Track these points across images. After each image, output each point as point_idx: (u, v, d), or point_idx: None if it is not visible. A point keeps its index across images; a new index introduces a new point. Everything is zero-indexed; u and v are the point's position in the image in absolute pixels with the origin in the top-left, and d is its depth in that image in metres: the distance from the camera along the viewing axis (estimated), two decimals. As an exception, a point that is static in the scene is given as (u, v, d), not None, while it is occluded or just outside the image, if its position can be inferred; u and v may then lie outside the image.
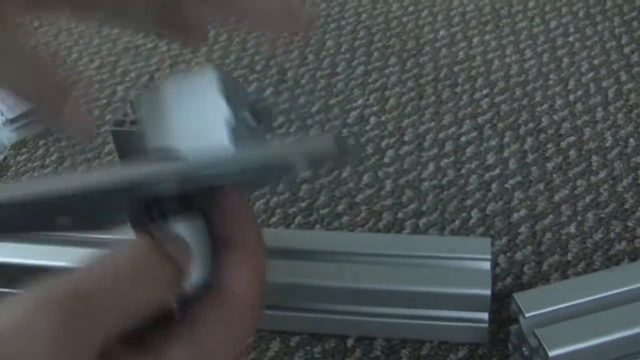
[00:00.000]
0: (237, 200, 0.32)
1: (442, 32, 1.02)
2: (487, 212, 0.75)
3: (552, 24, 1.02)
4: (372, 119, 0.88)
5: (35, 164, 0.86)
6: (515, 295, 0.59)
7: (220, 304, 0.32)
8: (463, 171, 0.80)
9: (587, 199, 0.76)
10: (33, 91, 0.37)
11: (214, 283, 0.32)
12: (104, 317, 0.27)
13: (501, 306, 0.65)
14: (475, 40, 1.00)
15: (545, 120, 0.86)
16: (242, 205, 0.33)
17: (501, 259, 0.70)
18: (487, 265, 0.63)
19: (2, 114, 0.85)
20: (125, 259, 0.29)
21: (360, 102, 0.90)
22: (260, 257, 0.33)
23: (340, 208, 0.77)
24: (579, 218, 0.74)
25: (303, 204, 0.77)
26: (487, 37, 1.00)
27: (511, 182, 0.78)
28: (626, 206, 0.75)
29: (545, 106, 0.88)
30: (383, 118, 0.88)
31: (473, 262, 0.63)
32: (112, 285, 0.28)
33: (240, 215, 0.32)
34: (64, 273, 0.28)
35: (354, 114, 0.89)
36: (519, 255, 0.70)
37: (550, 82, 0.91)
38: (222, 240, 0.33)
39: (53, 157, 0.86)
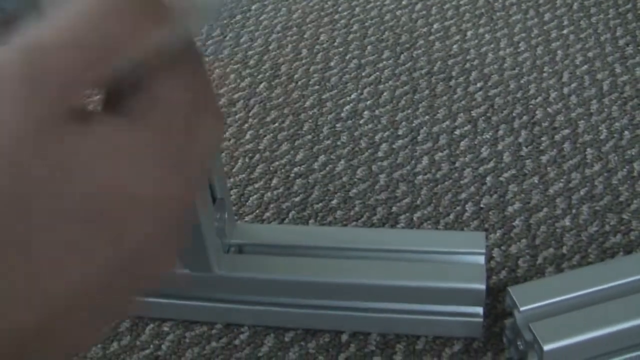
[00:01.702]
0: None
1: (436, 26, 1.01)
2: (482, 206, 0.75)
3: (547, 16, 1.01)
4: (366, 113, 0.87)
5: None
6: (509, 289, 0.58)
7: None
8: (457, 165, 0.79)
9: (582, 192, 0.75)
10: None
11: None
12: (74, 63, 0.22)
13: (496, 300, 0.65)
14: (469, 33, 0.99)
15: (539, 113, 0.85)
16: None
17: (496, 252, 0.70)
18: (481, 259, 0.63)
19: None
20: None
21: (353, 96, 0.90)
22: None
23: (334, 202, 0.76)
24: (573, 211, 0.73)
25: (297, 199, 0.77)
26: (481, 30, 1.00)
27: (505, 175, 0.78)
28: (621, 199, 0.74)
29: (539, 99, 0.87)
30: (377, 112, 0.87)
31: (467, 256, 0.63)
32: (84, 23, 0.22)
33: None
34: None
35: (347, 108, 0.88)
36: (513, 249, 0.70)
37: (545, 74, 0.91)
38: None
39: None
